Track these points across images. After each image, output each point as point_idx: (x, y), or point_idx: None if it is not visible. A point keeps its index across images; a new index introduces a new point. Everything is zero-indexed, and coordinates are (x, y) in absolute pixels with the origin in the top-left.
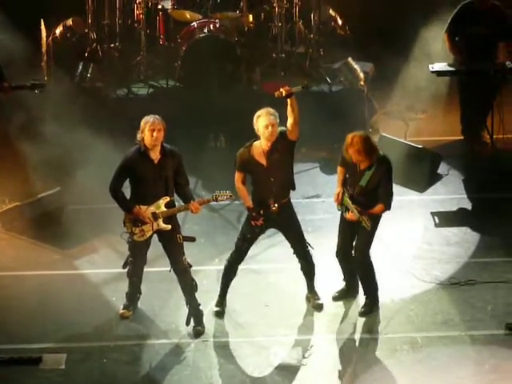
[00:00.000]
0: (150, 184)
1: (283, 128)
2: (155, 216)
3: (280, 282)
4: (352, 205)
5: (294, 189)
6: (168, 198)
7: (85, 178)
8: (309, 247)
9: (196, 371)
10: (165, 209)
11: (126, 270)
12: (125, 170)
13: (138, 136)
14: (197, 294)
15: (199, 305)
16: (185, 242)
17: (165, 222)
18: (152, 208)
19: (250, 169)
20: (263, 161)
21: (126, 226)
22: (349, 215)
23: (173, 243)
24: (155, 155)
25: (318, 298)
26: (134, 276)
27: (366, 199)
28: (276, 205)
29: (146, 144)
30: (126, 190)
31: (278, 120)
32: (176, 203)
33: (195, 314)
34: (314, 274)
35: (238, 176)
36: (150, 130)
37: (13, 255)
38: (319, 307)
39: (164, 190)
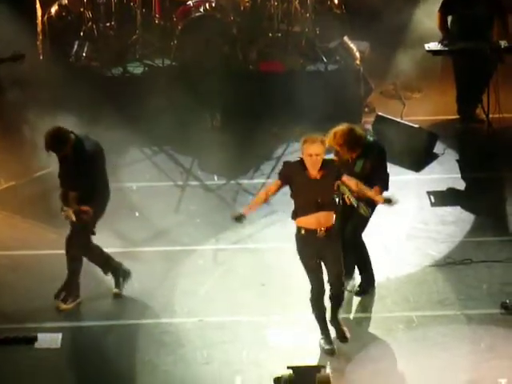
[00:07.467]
0: None
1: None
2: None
3: (276, 262)
4: (349, 192)
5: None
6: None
7: None
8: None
9: (192, 351)
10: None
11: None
12: None
13: None
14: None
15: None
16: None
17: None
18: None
19: (294, 180)
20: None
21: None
22: (347, 200)
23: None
24: None
25: None
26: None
27: (365, 184)
28: (323, 228)
29: None
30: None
31: (326, 147)
32: None
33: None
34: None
35: (275, 183)
36: None
37: (8, 234)
38: None
39: None
